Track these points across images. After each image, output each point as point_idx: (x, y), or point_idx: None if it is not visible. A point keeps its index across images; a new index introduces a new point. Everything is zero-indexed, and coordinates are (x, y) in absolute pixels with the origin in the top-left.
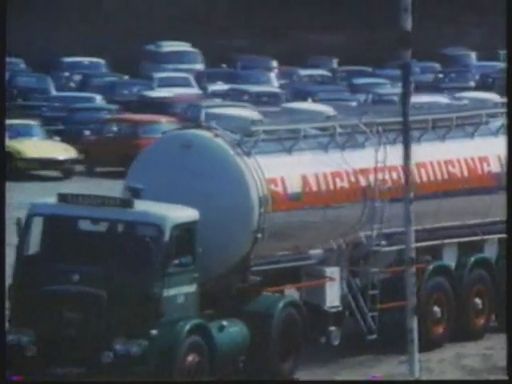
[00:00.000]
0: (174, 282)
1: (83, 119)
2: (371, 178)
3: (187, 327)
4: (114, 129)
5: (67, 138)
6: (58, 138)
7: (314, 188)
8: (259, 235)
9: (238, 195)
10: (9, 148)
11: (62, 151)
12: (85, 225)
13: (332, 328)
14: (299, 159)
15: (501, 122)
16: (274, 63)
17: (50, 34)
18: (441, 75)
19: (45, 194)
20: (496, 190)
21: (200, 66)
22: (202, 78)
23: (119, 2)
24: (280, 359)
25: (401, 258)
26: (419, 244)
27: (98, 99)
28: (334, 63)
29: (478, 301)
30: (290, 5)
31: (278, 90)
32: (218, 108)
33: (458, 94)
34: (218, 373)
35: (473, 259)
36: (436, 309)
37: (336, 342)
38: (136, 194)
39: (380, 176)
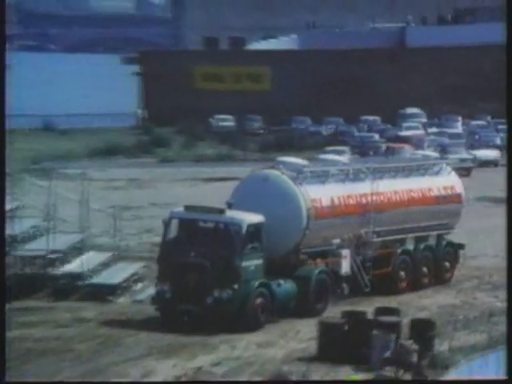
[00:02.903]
0: (248, 257)
1: (369, 147)
2: (369, 199)
3: (256, 283)
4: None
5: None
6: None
7: (337, 204)
8: (307, 232)
9: (295, 208)
10: None
11: None
12: (199, 223)
13: (344, 285)
14: (329, 187)
15: (439, 167)
16: (459, 118)
17: (349, 104)
18: None
19: None
20: (436, 206)
21: (424, 120)
22: (425, 126)
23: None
24: (315, 303)
25: (383, 245)
26: (393, 237)
27: (376, 136)
28: (489, 118)
29: (424, 269)
30: (464, 86)
31: (461, 132)
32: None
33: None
34: (277, 310)
35: (422, 246)
36: (402, 273)
37: (346, 292)
38: (229, 206)
39: (374, 198)
